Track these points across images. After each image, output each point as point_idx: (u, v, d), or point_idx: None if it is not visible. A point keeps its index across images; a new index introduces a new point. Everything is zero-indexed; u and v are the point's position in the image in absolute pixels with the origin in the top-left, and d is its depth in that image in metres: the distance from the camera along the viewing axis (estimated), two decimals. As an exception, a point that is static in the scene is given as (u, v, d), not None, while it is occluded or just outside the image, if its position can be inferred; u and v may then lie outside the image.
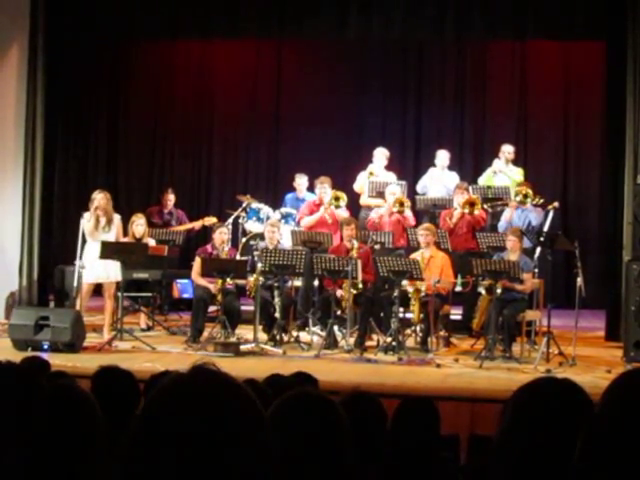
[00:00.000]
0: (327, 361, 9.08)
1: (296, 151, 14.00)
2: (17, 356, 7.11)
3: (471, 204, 10.85)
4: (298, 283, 10.83)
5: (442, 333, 10.04)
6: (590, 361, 9.26)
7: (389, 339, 9.43)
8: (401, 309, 9.58)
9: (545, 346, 9.06)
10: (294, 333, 10.14)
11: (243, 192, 12.97)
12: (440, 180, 12.05)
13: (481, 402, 7.28)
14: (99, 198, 10.11)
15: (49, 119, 11.93)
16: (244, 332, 10.02)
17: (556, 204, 11.37)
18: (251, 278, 9.85)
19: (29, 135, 11.71)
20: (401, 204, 10.92)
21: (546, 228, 10.95)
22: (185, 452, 1.33)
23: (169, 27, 12.61)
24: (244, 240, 12.00)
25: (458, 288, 10.54)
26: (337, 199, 11.22)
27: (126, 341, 9.69)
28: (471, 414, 7.20)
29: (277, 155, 14.51)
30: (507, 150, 11.92)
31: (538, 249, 10.40)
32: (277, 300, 9.74)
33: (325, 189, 11.34)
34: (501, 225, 11.19)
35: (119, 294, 9.99)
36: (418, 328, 9.91)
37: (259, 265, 9.71)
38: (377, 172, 11.93)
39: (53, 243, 12.29)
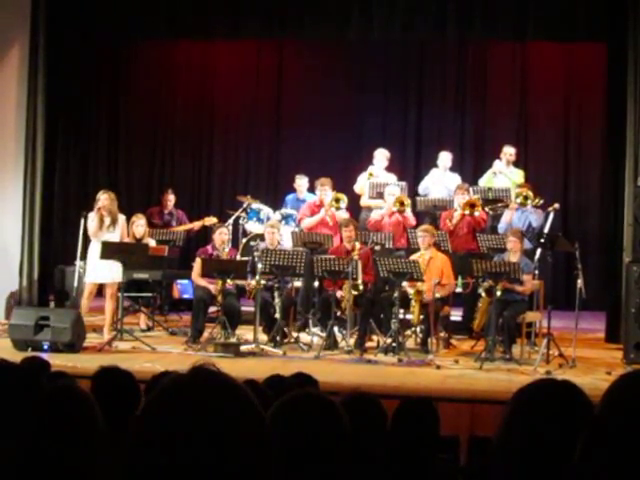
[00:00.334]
0: (327, 362, 9.08)
1: (297, 152, 14.01)
2: (17, 356, 7.10)
3: (471, 205, 10.85)
4: (298, 284, 10.83)
5: (442, 334, 10.04)
6: (590, 363, 9.26)
7: (389, 340, 9.43)
8: (401, 310, 9.58)
9: (545, 347, 9.06)
10: (294, 334, 10.15)
11: (244, 193, 12.98)
12: (441, 181, 12.05)
13: (481, 403, 7.28)
14: (103, 199, 10.13)
15: (49, 119, 11.93)
16: (244, 333, 10.02)
17: (556, 205, 11.36)
18: (252, 281, 9.85)
19: (30, 135, 11.71)
20: (401, 203, 10.92)
21: (546, 229, 10.94)
22: (185, 453, 1.33)
23: (169, 27, 12.59)
24: (244, 241, 12.01)
25: (458, 289, 10.54)
26: (337, 200, 11.22)
27: (126, 341, 9.69)
28: (471, 415, 7.20)
29: (278, 156, 14.51)
30: (508, 152, 11.92)
31: (538, 250, 10.40)
32: (277, 301, 9.74)
33: (326, 191, 11.35)
34: (501, 226, 11.19)
35: (119, 294, 10.00)
36: (418, 329, 9.91)
37: (259, 266, 9.71)
38: (377, 173, 11.93)
39: (53, 243, 12.30)
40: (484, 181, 11.93)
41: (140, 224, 10.88)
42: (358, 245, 10.05)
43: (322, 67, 14.15)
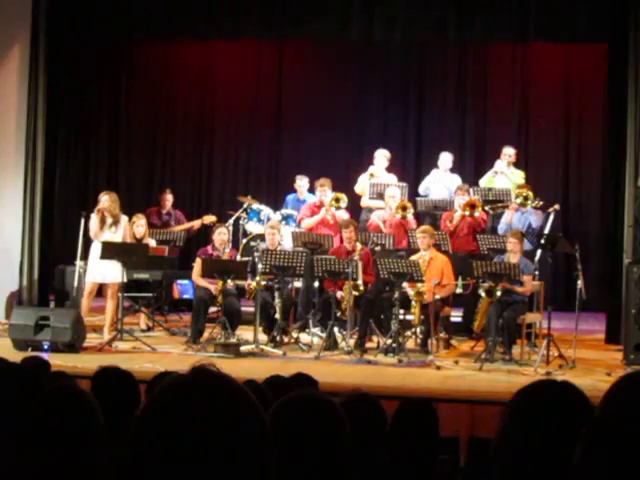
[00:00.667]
0: (327, 362, 9.08)
1: (297, 152, 14.01)
2: (17, 356, 7.10)
3: (472, 206, 10.85)
4: (298, 284, 10.83)
5: (442, 335, 10.03)
6: (590, 364, 9.25)
7: (389, 341, 9.43)
8: (401, 311, 9.58)
9: (545, 348, 9.06)
10: (294, 334, 10.15)
11: (244, 193, 12.98)
12: (442, 182, 12.05)
13: (481, 404, 7.28)
14: (104, 200, 10.17)
15: (50, 119, 11.94)
16: (244, 333, 10.02)
17: (557, 206, 11.36)
18: (252, 282, 9.85)
19: (30, 135, 11.72)
20: (404, 208, 10.89)
21: (547, 230, 10.94)
22: (185, 453, 1.33)
23: (170, 27, 12.60)
24: (245, 241, 12.01)
25: (458, 290, 10.53)
26: (337, 200, 11.22)
27: (126, 341, 9.69)
28: (471, 416, 7.20)
29: (278, 156, 14.50)
30: (508, 153, 11.91)
31: (539, 251, 10.40)
32: (277, 301, 9.74)
33: (325, 191, 11.35)
34: (500, 227, 11.19)
35: (119, 294, 10.01)
36: (418, 330, 9.91)
37: (259, 266, 9.72)
38: (378, 174, 11.92)
39: (53, 243, 12.30)
40: (485, 181, 11.92)
41: (140, 224, 10.89)
42: (359, 246, 10.05)
43: (322, 67, 14.14)
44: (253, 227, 12.12)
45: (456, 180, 11.98)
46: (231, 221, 12.08)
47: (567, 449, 1.60)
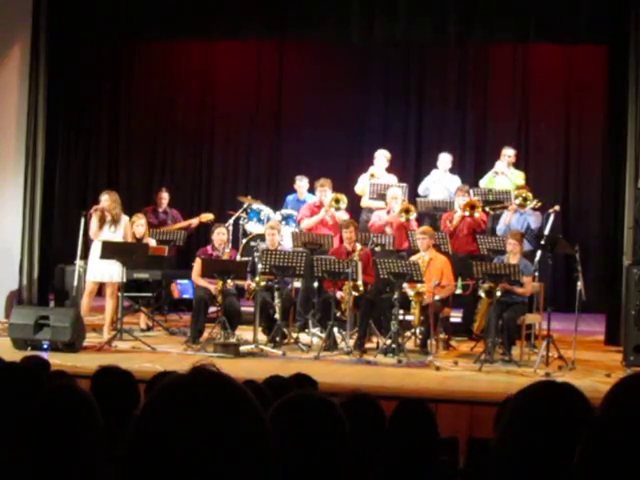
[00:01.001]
0: (327, 363, 9.08)
1: (297, 152, 14.00)
2: (17, 355, 7.10)
3: (472, 207, 10.85)
4: (298, 285, 10.83)
5: (442, 336, 10.04)
6: (590, 365, 9.26)
7: (389, 341, 9.43)
8: (401, 311, 9.58)
9: (545, 349, 9.06)
10: (294, 334, 10.15)
11: (244, 193, 12.98)
12: (442, 182, 12.05)
13: (480, 405, 7.28)
14: (104, 200, 10.20)
15: (50, 119, 11.95)
16: (244, 333, 10.02)
17: (557, 207, 11.35)
18: (252, 282, 9.85)
19: (30, 134, 11.72)
20: (407, 211, 10.86)
21: (547, 231, 10.94)
22: (184, 453, 1.33)
23: (170, 27, 12.62)
24: (245, 241, 12.00)
25: (458, 291, 10.53)
26: (337, 201, 11.22)
27: (126, 341, 9.70)
28: (470, 417, 7.20)
29: (278, 156, 14.50)
30: (508, 153, 11.91)
31: (539, 252, 10.40)
32: (277, 301, 9.74)
33: (325, 192, 11.35)
34: (500, 228, 11.18)
35: (119, 294, 10.01)
36: (418, 330, 9.91)
37: (259, 266, 9.72)
38: (378, 174, 11.92)
39: (53, 242, 12.31)
40: (485, 182, 11.92)
41: (140, 224, 10.89)
42: (359, 246, 10.05)
43: (323, 67, 14.14)
44: (253, 227, 12.12)
45: (456, 181, 11.97)
46: (231, 221, 12.08)
47: (566, 450, 1.60)
